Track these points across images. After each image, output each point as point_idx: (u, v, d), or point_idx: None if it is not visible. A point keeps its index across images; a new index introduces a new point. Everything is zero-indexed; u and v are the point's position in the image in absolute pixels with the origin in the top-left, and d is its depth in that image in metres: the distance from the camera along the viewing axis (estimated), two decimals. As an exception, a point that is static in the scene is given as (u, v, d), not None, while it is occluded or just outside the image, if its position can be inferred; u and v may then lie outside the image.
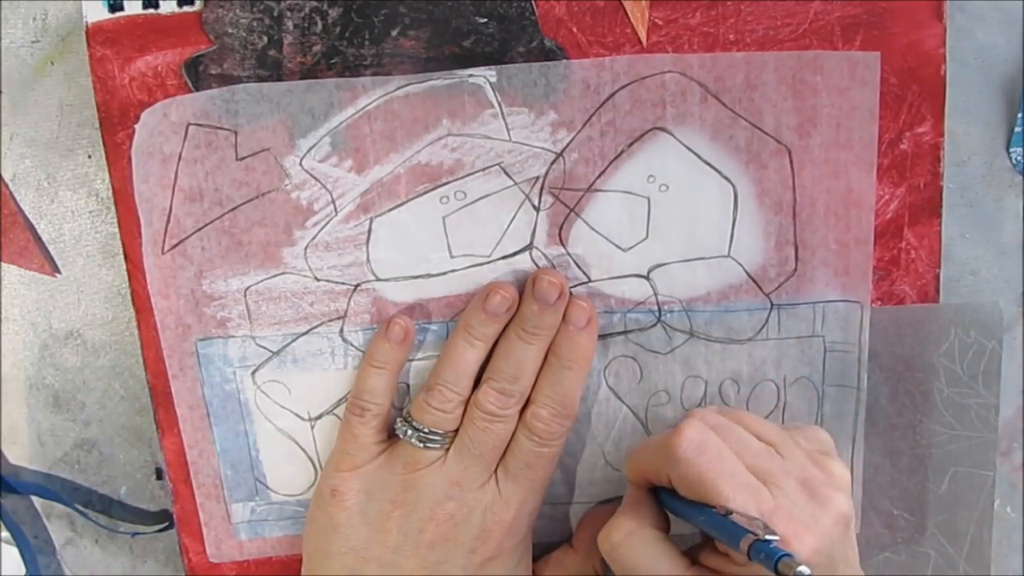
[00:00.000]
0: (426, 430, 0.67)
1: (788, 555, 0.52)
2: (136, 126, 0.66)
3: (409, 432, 0.68)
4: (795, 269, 0.68)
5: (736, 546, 0.55)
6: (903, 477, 0.68)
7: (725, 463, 0.60)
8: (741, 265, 0.68)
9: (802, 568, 0.51)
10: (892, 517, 0.73)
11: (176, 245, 0.68)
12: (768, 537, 0.54)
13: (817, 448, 0.64)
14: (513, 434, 0.69)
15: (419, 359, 0.71)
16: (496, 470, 0.69)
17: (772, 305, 0.69)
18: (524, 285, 0.68)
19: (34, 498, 0.79)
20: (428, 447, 0.67)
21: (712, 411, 0.65)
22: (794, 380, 0.71)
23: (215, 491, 0.74)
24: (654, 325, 0.70)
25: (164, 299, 0.69)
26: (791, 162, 0.67)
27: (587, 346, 0.69)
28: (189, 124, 0.66)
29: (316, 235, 0.68)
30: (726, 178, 0.67)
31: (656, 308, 0.69)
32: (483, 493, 0.68)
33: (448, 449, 0.68)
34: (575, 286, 0.69)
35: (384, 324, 0.69)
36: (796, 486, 0.60)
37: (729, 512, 0.57)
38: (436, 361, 0.69)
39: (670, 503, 0.64)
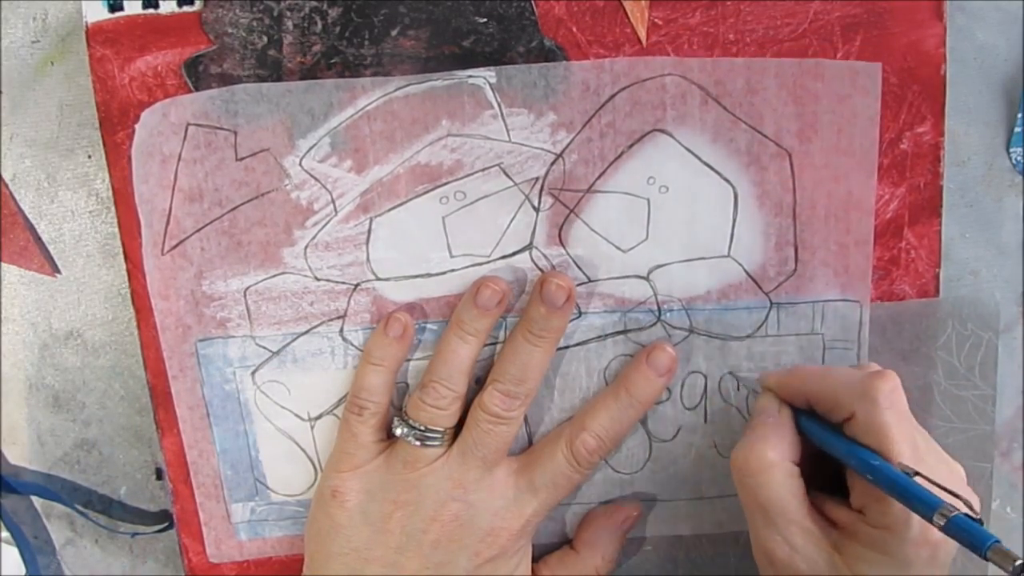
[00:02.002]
0: (423, 428, 0.67)
1: (998, 541, 0.50)
2: (136, 126, 0.66)
3: (406, 430, 0.68)
4: (795, 269, 0.68)
5: (925, 513, 0.54)
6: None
7: (914, 426, 0.61)
8: (741, 265, 0.68)
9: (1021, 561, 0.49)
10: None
11: (176, 246, 0.68)
12: (975, 516, 0.53)
13: None
14: (548, 448, 0.69)
15: (418, 358, 0.71)
16: (517, 477, 0.69)
17: (772, 304, 0.69)
18: (527, 285, 0.69)
19: (34, 498, 0.79)
20: (427, 445, 0.67)
21: None
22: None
23: (215, 491, 0.74)
24: (654, 324, 0.70)
25: (164, 300, 0.69)
26: (791, 165, 0.67)
27: (658, 391, 0.70)
28: (189, 124, 0.66)
29: (316, 235, 0.68)
30: (726, 180, 0.67)
31: (656, 308, 0.69)
32: (492, 497, 0.68)
33: (448, 448, 0.68)
34: (575, 286, 0.68)
35: (382, 321, 0.69)
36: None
37: (916, 473, 0.56)
38: (431, 358, 0.69)
39: (821, 435, 0.63)
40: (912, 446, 0.59)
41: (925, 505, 0.54)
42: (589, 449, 0.68)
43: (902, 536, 0.57)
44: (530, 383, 0.68)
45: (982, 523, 0.52)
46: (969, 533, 0.51)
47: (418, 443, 0.67)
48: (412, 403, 0.68)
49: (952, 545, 0.57)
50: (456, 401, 0.68)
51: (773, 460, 0.62)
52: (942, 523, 0.52)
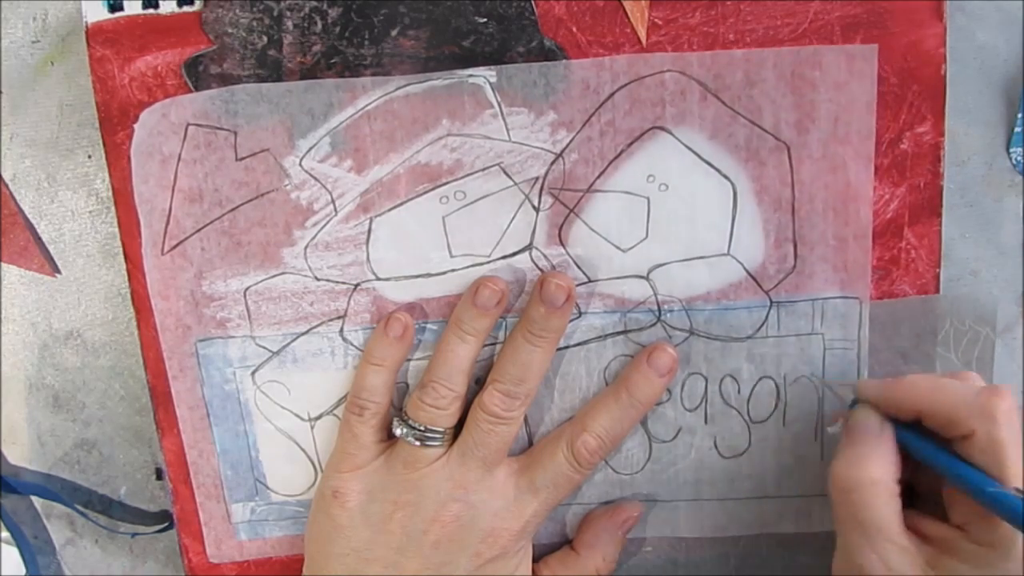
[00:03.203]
0: (422, 428, 0.67)
1: None
2: (135, 126, 0.66)
3: (406, 430, 0.68)
4: (794, 266, 0.68)
5: None
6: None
7: (1020, 446, 0.59)
8: (741, 263, 0.68)
9: None
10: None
11: (176, 246, 0.68)
12: None
13: None
14: (548, 449, 0.70)
15: (418, 358, 0.71)
16: (517, 478, 0.69)
17: (771, 303, 0.69)
18: (526, 285, 0.69)
19: (34, 498, 0.79)
20: (427, 445, 0.67)
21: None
22: (794, 379, 0.71)
23: (215, 491, 0.74)
24: (654, 324, 0.69)
25: (164, 300, 0.69)
26: (790, 158, 0.66)
27: (659, 391, 0.70)
28: (188, 124, 0.66)
29: (316, 235, 0.68)
30: (725, 176, 0.67)
31: (656, 308, 0.69)
32: (492, 497, 0.68)
33: (448, 448, 0.68)
34: (576, 286, 0.68)
35: (383, 321, 0.69)
36: None
37: None
38: (430, 359, 0.69)
39: (927, 452, 0.62)
40: (1019, 465, 0.58)
41: None
42: (590, 449, 0.68)
43: (1006, 554, 0.57)
44: (530, 383, 0.68)
45: None
46: None
47: (418, 443, 0.67)
48: (412, 403, 0.68)
49: None
50: (456, 401, 0.68)
51: (877, 479, 0.61)
52: None
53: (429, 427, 0.67)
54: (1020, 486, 0.57)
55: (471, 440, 0.67)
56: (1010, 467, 0.57)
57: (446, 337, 0.68)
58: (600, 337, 0.70)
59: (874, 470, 0.61)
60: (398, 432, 0.68)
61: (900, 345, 0.70)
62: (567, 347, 0.70)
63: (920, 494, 0.64)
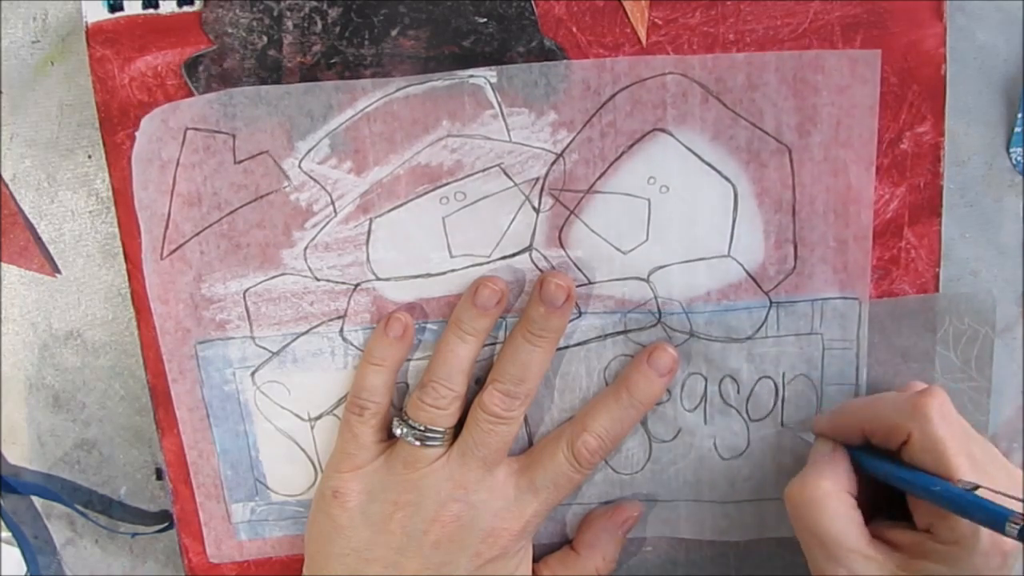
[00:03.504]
0: (422, 428, 0.67)
1: None
2: (136, 133, 0.66)
3: (405, 430, 0.68)
4: (794, 267, 0.68)
5: (996, 525, 0.54)
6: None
7: (969, 435, 0.61)
8: (741, 264, 0.68)
9: None
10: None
11: (175, 250, 0.68)
12: None
13: None
14: (548, 449, 0.70)
15: (418, 358, 0.71)
16: (518, 478, 0.69)
17: (771, 303, 0.69)
18: (526, 286, 0.69)
19: (34, 498, 0.79)
20: (427, 445, 0.67)
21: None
22: (793, 378, 0.71)
23: (215, 491, 0.74)
24: (654, 325, 0.69)
25: (163, 304, 0.69)
26: (791, 161, 0.66)
27: (659, 391, 0.70)
28: (187, 129, 0.66)
29: (315, 236, 0.68)
30: (726, 178, 0.67)
31: (656, 310, 0.69)
32: (492, 497, 0.68)
33: (448, 448, 0.68)
34: (576, 287, 0.68)
35: (383, 321, 0.69)
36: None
37: (975, 487, 0.56)
38: (430, 358, 0.69)
39: (874, 465, 0.63)
40: (970, 458, 0.59)
41: (994, 517, 0.54)
42: (590, 449, 0.68)
43: (972, 548, 0.57)
44: (530, 383, 0.68)
45: None
46: None
47: (418, 443, 0.67)
48: (412, 403, 0.68)
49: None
50: (456, 401, 0.68)
51: (828, 489, 0.62)
52: (1015, 532, 0.53)
53: (429, 427, 0.67)
54: (967, 477, 0.57)
55: (471, 440, 0.67)
56: (951, 461, 0.58)
57: (446, 337, 0.68)
58: (600, 337, 0.70)
59: (824, 483, 0.62)
60: (398, 432, 0.68)
61: (899, 344, 0.70)
62: (567, 347, 0.70)
63: (890, 508, 0.64)
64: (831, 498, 0.62)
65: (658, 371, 0.69)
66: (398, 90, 0.65)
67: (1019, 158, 0.69)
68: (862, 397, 0.70)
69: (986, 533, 0.57)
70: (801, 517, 0.62)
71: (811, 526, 0.61)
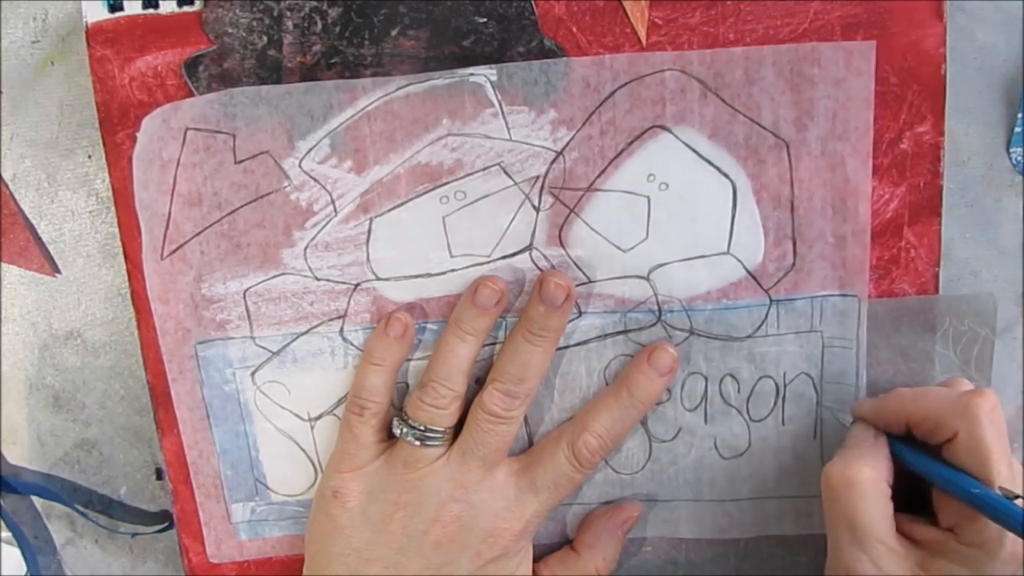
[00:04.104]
0: (422, 427, 0.67)
1: None
2: (137, 134, 0.66)
3: (406, 430, 0.68)
4: (793, 264, 0.68)
5: None
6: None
7: (1008, 444, 0.60)
8: (740, 262, 0.68)
9: None
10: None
11: (175, 250, 0.68)
12: None
13: None
14: (549, 448, 0.70)
15: (418, 358, 0.71)
16: (518, 478, 0.69)
17: (771, 301, 0.69)
18: (526, 286, 0.69)
19: (34, 498, 0.79)
20: (427, 445, 0.67)
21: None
22: (793, 377, 0.71)
23: (215, 491, 0.74)
24: (654, 324, 0.69)
25: (163, 304, 0.69)
26: (789, 156, 0.66)
27: (659, 391, 0.70)
28: (187, 129, 0.66)
29: (316, 235, 0.68)
30: (725, 175, 0.67)
31: (656, 308, 0.69)
32: (493, 497, 0.68)
33: (448, 448, 0.68)
34: (576, 287, 0.68)
35: (383, 320, 0.69)
36: None
37: (1015, 496, 0.56)
38: (430, 358, 0.69)
39: (912, 457, 0.63)
40: (1008, 465, 0.59)
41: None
42: (591, 449, 0.68)
43: (995, 554, 0.58)
44: (530, 383, 0.68)
45: None
46: None
47: (418, 443, 0.67)
48: (412, 403, 0.68)
49: None
50: (456, 401, 0.68)
51: (868, 475, 0.62)
52: None
53: (429, 427, 0.67)
54: (1006, 485, 0.57)
55: (471, 440, 0.67)
56: (994, 466, 0.58)
57: (446, 337, 0.68)
58: (600, 337, 0.70)
59: (866, 470, 0.62)
60: (398, 432, 0.68)
61: (899, 344, 0.70)
62: (567, 347, 0.70)
63: (913, 502, 0.64)
64: (871, 485, 0.61)
65: (659, 370, 0.68)
66: (398, 89, 0.65)
67: (1019, 158, 0.69)
68: (911, 388, 0.69)
69: (1010, 540, 0.57)
70: (837, 499, 0.62)
71: (846, 510, 0.61)
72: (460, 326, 0.68)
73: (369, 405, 0.68)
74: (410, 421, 0.68)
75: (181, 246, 0.68)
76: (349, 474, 0.69)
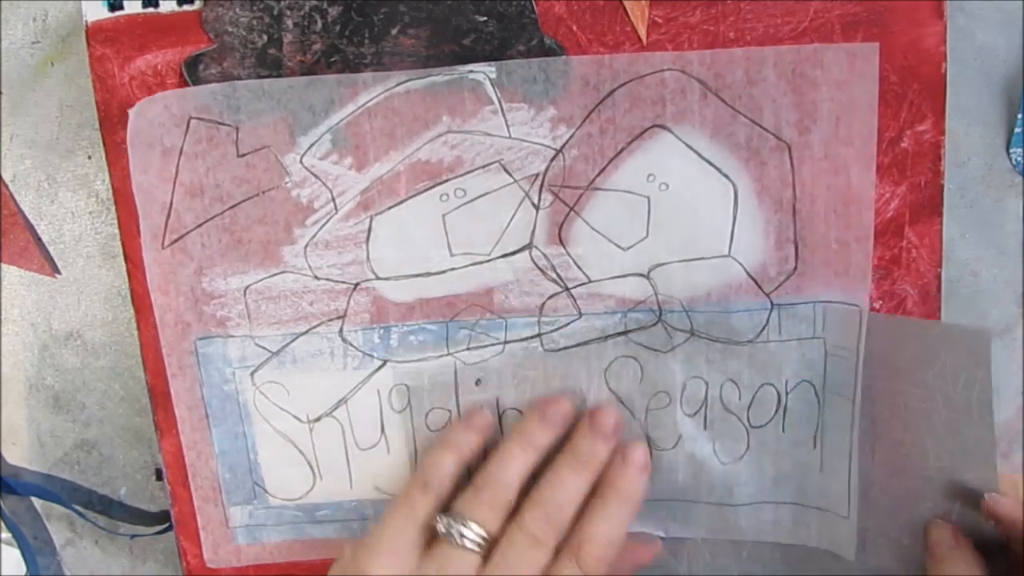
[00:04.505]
0: (470, 524, 0.65)
1: None
2: (130, 111, 0.66)
3: (453, 525, 0.65)
4: (795, 268, 0.68)
5: None
6: (900, 493, 0.67)
7: None
8: (741, 265, 0.68)
9: None
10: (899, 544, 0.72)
11: (176, 240, 0.68)
12: None
13: None
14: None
15: (418, 359, 0.71)
16: None
17: (772, 305, 0.69)
18: (526, 285, 0.69)
19: (34, 499, 0.79)
20: (466, 548, 0.65)
21: None
22: (795, 385, 0.70)
23: (213, 494, 0.74)
24: (655, 324, 0.69)
25: (164, 295, 0.69)
26: (791, 159, 0.66)
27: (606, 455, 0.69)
28: (191, 118, 0.66)
29: (316, 233, 0.68)
30: (726, 176, 0.67)
31: (656, 307, 0.69)
32: None
33: (482, 564, 0.65)
34: (575, 286, 0.69)
35: (467, 415, 0.70)
36: None
37: None
38: (485, 464, 0.68)
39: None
40: None
41: None
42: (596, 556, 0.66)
43: None
44: (569, 510, 0.66)
45: None
46: None
47: (462, 540, 0.65)
48: (465, 500, 0.66)
49: None
50: (507, 508, 0.66)
51: None
52: None
53: (478, 526, 0.65)
54: None
55: (502, 559, 0.64)
56: None
57: (508, 446, 0.68)
58: (601, 338, 0.70)
59: None
60: (442, 529, 0.65)
61: (899, 364, 0.69)
62: (567, 348, 0.70)
63: None
64: None
65: (636, 466, 0.68)
66: (399, 84, 0.65)
67: (1019, 158, 0.69)
68: None
69: None
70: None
71: None
72: (524, 437, 0.68)
73: (433, 486, 0.67)
74: (460, 518, 0.65)
75: (182, 236, 0.68)
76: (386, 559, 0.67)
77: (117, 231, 0.68)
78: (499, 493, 0.66)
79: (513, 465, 0.67)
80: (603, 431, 0.67)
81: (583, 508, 0.68)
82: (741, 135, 0.66)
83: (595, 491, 0.68)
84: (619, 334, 0.70)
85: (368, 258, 0.68)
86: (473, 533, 0.65)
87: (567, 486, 0.66)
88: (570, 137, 0.66)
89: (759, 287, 0.69)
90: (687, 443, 0.72)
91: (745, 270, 0.68)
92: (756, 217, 0.68)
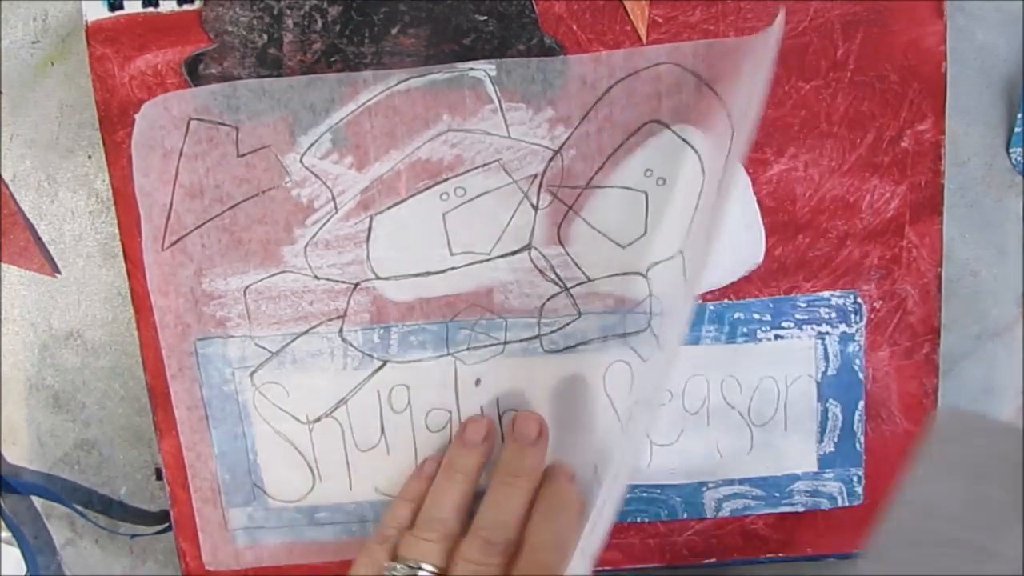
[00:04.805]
0: (415, 565, 0.65)
1: None
2: (136, 116, 0.66)
3: (398, 569, 0.65)
4: (793, 263, 0.68)
5: None
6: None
7: None
8: (739, 261, 0.68)
9: None
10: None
11: (176, 242, 0.68)
12: None
13: None
14: None
15: (418, 359, 0.71)
16: None
17: (771, 300, 0.69)
18: (526, 286, 0.69)
19: (34, 498, 0.79)
20: None
21: None
22: (795, 379, 0.71)
23: (212, 496, 0.73)
24: (644, 330, 0.69)
25: (164, 297, 0.69)
26: (784, 152, 0.67)
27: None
28: (191, 119, 0.66)
29: (316, 233, 0.68)
30: (721, 170, 0.67)
31: (648, 312, 0.69)
32: None
33: None
34: (575, 286, 0.69)
35: (461, 427, 0.71)
36: None
37: None
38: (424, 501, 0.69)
39: None
40: None
41: None
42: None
43: None
44: (510, 530, 0.66)
45: None
46: None
47: None
48: (404, 542, 0.67)
49: None
50: (447, 539, 0.66)
51: None
52: None
53: (421, 563, 0.65)
54: None
55: None
56: None
57: (438, 480, 0.69)
58: (601, 339, 0.70)
59: None
60: (388, 573, 0.65)
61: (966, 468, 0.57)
62: (567, 348, 0.70)
63: None
64: None
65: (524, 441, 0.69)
66: (399, 82, 0.65)
67: (1019, 158, 0.69)
68: None
69: None
70: None
71: None
72: (451, 466, 0.68)
73: (391, 535, 0.68)
74: (407, 561, 0.66)
75: (182, 238, 0.68)
76: None
77: (117, 231, 0.68)
78: (436, 528, 0.66)
79: (445, 498, 0.68)
80: (525, 440, 0.68)
81: (529, 515, 0.68)
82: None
83: (536, 499, 0.68)
84: (617, 336, 0.70)
85: (368, 258, 0.68)
86: (427, 572, 0.65)
87: (502, 503, 0.67)
88: (568, 137, 0.66)
89: (757, 284, 0.69)
90: (689, 439, 0.72)
91: (744, 267, 0.68)
92: (752, 213, 0.68)
